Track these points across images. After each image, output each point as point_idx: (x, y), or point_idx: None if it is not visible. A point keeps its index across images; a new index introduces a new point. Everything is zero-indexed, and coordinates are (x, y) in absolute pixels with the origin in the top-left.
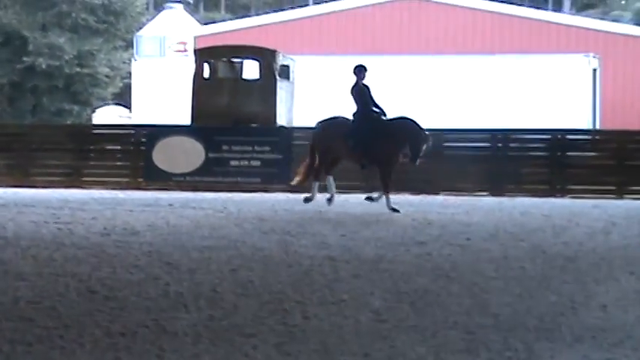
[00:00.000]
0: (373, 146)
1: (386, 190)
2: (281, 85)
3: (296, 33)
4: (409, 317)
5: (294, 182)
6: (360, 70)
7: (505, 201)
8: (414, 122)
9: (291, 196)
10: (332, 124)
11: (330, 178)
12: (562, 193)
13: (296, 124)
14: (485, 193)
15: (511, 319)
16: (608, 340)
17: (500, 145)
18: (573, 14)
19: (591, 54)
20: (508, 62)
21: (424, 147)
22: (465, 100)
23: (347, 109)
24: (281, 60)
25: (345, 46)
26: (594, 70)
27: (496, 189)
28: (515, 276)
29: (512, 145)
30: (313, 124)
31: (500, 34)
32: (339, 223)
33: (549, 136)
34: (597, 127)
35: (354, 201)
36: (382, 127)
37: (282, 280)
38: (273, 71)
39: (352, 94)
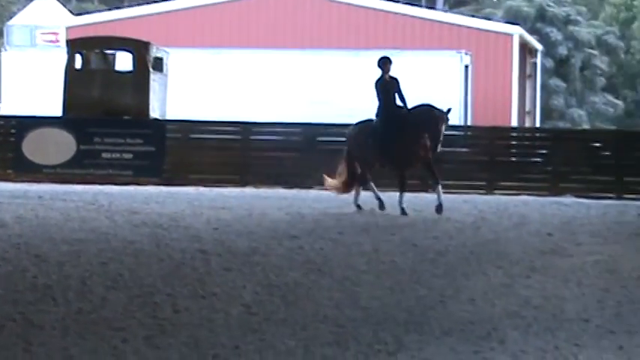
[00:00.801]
0: (392, 147)
1: (402, 189)
2: (154, 78)
3: (171, 25)
4: (280, 310)
5: (335, 192)
6: (384, 63)
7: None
8: (430, 109)
9: (164, 189)
10: (363, 127)
11: (371, 183)
12: (434, 187)
13: (170, 116)
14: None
15: (381, 312)
16: (475, 333)
17: None
18: (446, 11)
19: (463, 51)
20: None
21: (443, 130)
22: (339, 94)
23: (218, 102)
24: (154, 52)
25: (221, 39)
26: (466, 66)
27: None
28: (385, 270)
29: None
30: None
31: (374, 30)
32: (212, 217)
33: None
34: (469, 123)
35: (228, 194)
36: (401, 125)
37: (153, 273)
38: (146, 63)
39: (376, 89)
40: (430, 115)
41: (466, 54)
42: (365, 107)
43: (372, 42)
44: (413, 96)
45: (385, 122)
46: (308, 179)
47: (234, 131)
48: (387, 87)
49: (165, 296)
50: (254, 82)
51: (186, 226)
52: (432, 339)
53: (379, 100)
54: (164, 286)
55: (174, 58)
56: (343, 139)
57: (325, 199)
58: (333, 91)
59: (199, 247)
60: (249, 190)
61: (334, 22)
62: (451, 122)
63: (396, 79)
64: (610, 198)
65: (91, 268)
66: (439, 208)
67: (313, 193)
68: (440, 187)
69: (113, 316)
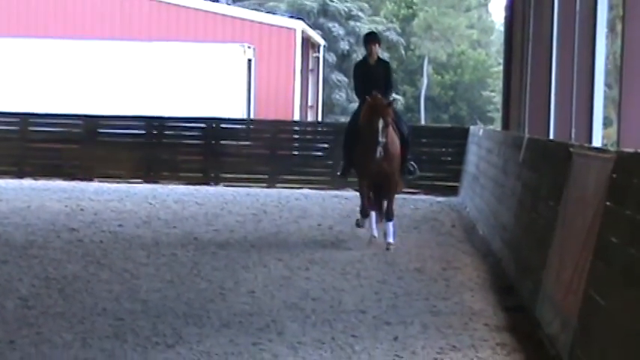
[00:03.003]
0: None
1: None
2: None
3: None
4: (57, 304)
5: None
6: (369, 41)
7: (159, 188)
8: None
9: None
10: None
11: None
12: (216, 181)
13: None
14: (139, 180)
15: (160, 305)
16: (254, 324)
17: (155, 132)
18: (230, 4)
19: (246, 44)
20: (165, 49)
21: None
22: (121, 87)
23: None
24: None
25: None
26: (249, 60)
27: (151, 176)
28: (166, 262)
29: (167, 132)
30: None
31: (157, 21)
32: None
33: (204, 125)
34: (251, 116)
35: (5, 186)
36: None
37: None
38: None
39: (354, 75)
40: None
41: (249, 47)
42: (156, 99)
43: (154, 34)
44: (197, 88)
45: (352, 118)
46: (89, 171)
47: (12, 122)
48: (372, 72)
49: None
50: (39, 72)
51: None
52: (212, 331)
53: (356, 89)
54: None
55: None
56: (125, 131)
57: (106, 191)
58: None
59: None
60: (27, 182)
61: (116, 12)
62: (234, 115)
63: (386, 63)
64: None
65: None
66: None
67: (94, 185)
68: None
69: None
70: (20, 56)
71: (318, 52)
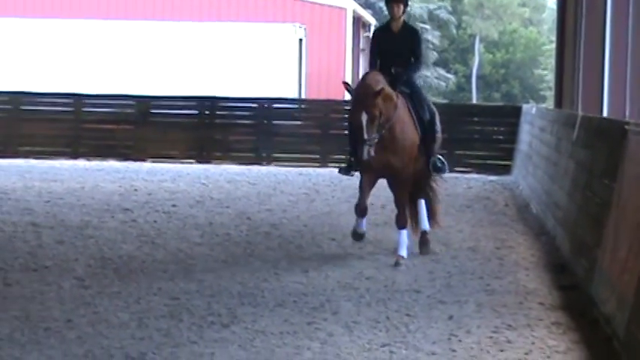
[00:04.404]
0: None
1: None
2: None
3: None
4: (113, 283)
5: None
6: (392, 3)
7: (212, 168)
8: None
9: None
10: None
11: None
12: (268, 160)
13: None
14: (192, 161)
15: (215, 284)
16: (309, 304)
17: (207, 112)
18: None
19: (297, 24)
20: (217, 30)
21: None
22: (175, 67)
23: (57, 73)
24: None
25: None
26: (300, 39)
27: (203, 156)
28: (220, 242)
29: (219, 112)
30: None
31: (209, 1)
32: (44, 190)
33: (256, 105)
34: (303, 96)
35: (60, 167)
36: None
37: None
38: None
39: (371, 44)
40: None
41: (300, 27)
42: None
43: (205, 14)
44: (250, 68)
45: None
46: (142, 152)
47: (66, 103)
48: (395, 42)
49: None
50: (83, 52)
51: (17, 198)
52: (266, 311)
53: (371, 64)
54: None
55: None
56: (178, 111)
57: (159, 171)
58: (172, 62)
59: (31, 220)
60: (81, 163)
61: None
62: (286, 95)
63: (414, 31)
64: None
65: None
66: None
67: (147, 165)
68: None
69: None
70: (78, 38)
71: (369, 31)
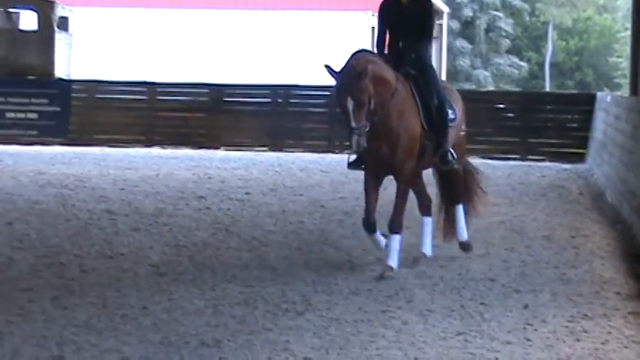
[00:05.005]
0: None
1: None
2: (59, 37)
3: None
4: (188, 271)
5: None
6: None
7: (284, 156)
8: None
9: (69, 149)
10: None
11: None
12: (340, 148)
13: (75, 76)
14: (265, 148)
15: (289, 272)
16: (383, 292)
17: (280, 100)
18: None
19: (370, 12)
20: (289, 18)
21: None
22: (248, 55)
23: (131, 62)
24: (59, 11)
25: None
26: (373, 27)
27: (276, 144)
28: (293, 230)
29: (292, 100)
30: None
31: None
32: (119, 178)
33: (329, 93)
34: None
35: (134, 155)
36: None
37: (60, 233)
38: (51, 22)
39: (379, 19)
40: None
41: (373, 15)
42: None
43: (278, 3)
44: (322, 55)
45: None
46: (215, 140)
47: (141, 91)
48: (403, 15)
49: (73, 256)
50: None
51: (93, 186)
52: (341, 299)
53: (378, 41)
54: (71, 246)
55: (80, 17)
56: (251, 99)
57: (232, 159)
58: (245, 50)
59: (106, 208)
60: (155, 151)
61: None
62: None
63: (425, 3)
64: (515, 159)
65: None
66: None
67: (220, 153)
68: None
69: (19, 276)
70: (150, 26)
71: (442, 19)
